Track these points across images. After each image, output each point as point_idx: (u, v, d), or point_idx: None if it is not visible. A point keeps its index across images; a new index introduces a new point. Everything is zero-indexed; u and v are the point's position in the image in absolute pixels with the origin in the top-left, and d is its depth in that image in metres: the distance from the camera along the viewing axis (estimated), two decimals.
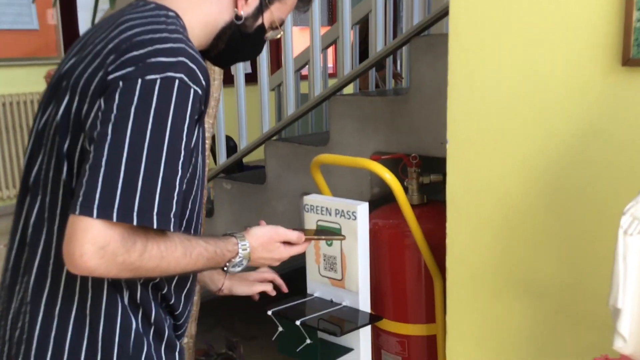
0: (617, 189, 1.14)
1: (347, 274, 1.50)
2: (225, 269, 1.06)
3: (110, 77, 0.89)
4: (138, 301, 1.00)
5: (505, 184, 1.29)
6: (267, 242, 1.11)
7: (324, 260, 1.55)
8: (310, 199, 1.55)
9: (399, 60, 3.82)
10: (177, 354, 1.08)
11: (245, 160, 2.96)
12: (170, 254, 0.93)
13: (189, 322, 2.13)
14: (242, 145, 2.53)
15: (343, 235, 1.41)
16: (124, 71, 0.88)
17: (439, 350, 1.69)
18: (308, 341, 1.42)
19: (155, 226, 0.87)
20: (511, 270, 1.30)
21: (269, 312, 1.46)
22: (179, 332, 1.13)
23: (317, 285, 1.58)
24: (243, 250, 1.06)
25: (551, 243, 1.23)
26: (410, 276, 1.70)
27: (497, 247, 1.31)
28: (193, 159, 0.99)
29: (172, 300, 1.05)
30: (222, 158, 2.60)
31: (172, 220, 0.89)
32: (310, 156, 2.08)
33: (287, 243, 1.15)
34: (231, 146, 2.81)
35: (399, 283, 1.72)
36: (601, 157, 1.15)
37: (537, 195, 1.24)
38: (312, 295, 1.58)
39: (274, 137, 2.43)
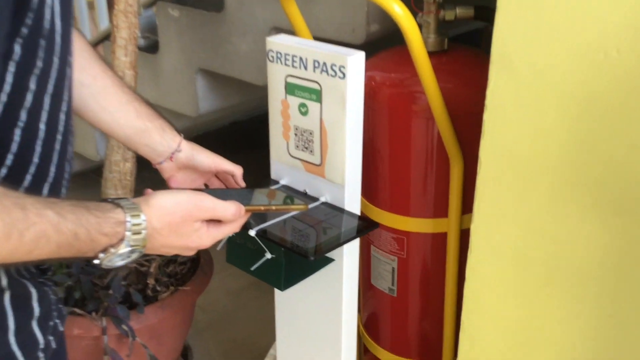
0: None
1: (329, 157, 1.03)
2: (97, 261, 0.61)
3: None
4: None
5: (599, 27, 0.78)
6: (180, 221, 0.67)
7: (296, 135, 1.07)
8: (277, 43, 1.03)
9: None
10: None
11: None
12: None
13: None
14: None
15: (305, 204, 0.93)
16: None
17: (449, 252, 1.28)
18: (268, 255, 0.99)
19: None
20: (591, 167, 0.83)
21: None
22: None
23: (284, 170, 1.11)
24: (135, 234, 0.62)
25: None
26: (418, 155, 1.24)
27: (575, 126, 0.83)
28: (29, 12, 0.53)
29: None
30: None
31: None
32: None
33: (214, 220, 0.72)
34: None
35: (400, 164, 1.27)
36: None
37: None
38: (277, 183, 1.12)
39: None
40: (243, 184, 1.05)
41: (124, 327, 1.48)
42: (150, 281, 1.56)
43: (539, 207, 0.91)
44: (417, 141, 1.23)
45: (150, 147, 0.94)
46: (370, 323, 1.50)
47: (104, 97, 0.87)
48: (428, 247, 1.32)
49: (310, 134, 1.05)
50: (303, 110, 1.03)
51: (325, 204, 1.06)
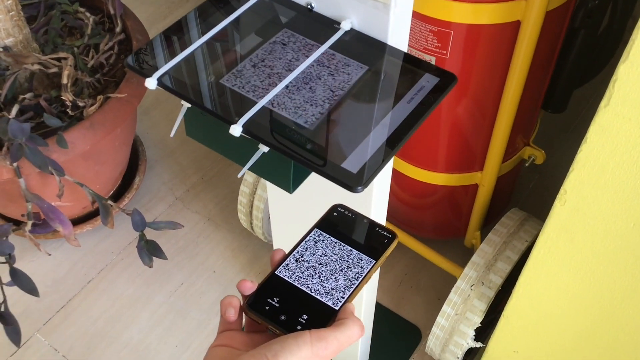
0: None
1: None
2: None
3: None
4: None
5: None
6: None
7: None
8: None
9: None
10: None
11: None
12: None
13: None
14: None
15: (395, 234, 0.49)
16: None
17: (520, 49, 0.89)
18: (264, 149, 0.59)
19: None
20: None
21: (152, 85, 0.57)
22: None
23: None
24: None
25: None
26: None
27: None
28: None
29: None
30: None
31: None
32: None
33: None
34: None
35: None
36: None
37: None
38: None
39: None
40: None
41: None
42: (67, 97, 1.12)
43: None
44: None
45: None
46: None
47: None
48: (483, 43, 0.90)
49: None
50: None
51: (350, 34, 0.62)
